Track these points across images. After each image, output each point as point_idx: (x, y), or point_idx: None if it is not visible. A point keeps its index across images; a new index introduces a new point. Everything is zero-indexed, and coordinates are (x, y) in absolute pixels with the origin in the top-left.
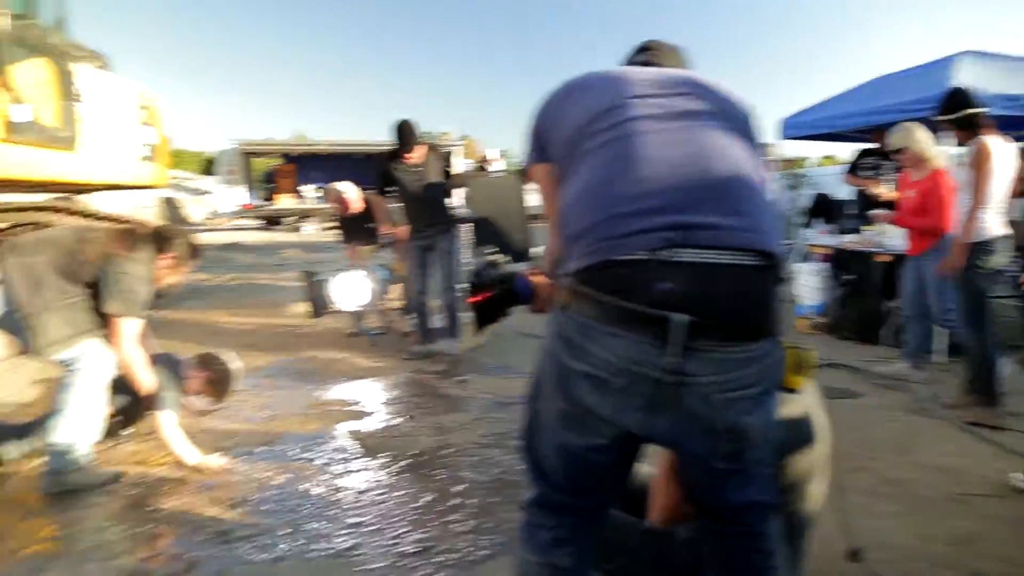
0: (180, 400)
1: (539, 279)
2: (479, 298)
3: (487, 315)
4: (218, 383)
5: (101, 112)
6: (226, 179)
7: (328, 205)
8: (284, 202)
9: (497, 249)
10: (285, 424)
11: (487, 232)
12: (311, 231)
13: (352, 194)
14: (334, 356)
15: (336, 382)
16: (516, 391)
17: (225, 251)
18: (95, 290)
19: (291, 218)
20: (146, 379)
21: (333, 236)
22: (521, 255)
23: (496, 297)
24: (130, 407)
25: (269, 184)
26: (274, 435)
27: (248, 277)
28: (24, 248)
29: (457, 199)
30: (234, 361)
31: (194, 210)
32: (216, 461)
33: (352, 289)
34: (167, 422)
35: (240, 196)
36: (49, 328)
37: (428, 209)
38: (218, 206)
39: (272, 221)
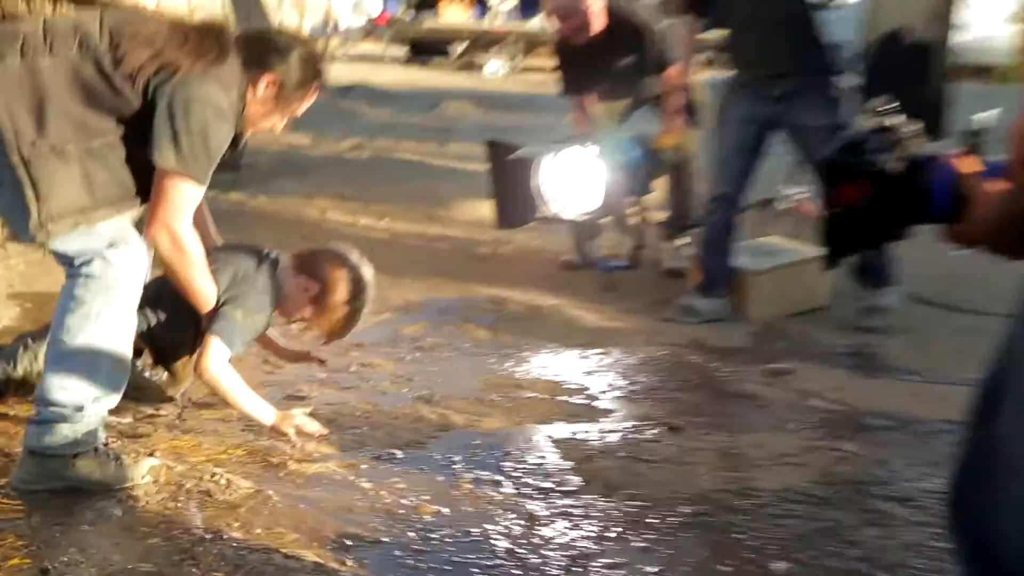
0: (266, 327)
1: (972, 172)
2: (844, 197)
3: (851, 236)
4: (332, 305)
5: None
6: None
7: (540, 24)
8: (451, 16)
9: (896, 105)
10: (445, 411)
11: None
12: (498, 70)
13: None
14: (536, 301)
15: (536, 348)
16: (900, 404)
17: (342, 98)
18: (136, 129)
19: (461, 46)
20: (206, 290)
21: (546, 82)
22: (936, 122)
23: (879, 198)
24: (176, 344)
25: None
26: (426, 429)
27: (383, 146)
28: (26, 39)
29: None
30: (362, 266)
31: (289, 14)
32: (310, 424)
33: (577, 180)
34: (223, 364)
35: (372, 2)
36: (55, 188)
37: (778, 37)
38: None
39: (425, 49)
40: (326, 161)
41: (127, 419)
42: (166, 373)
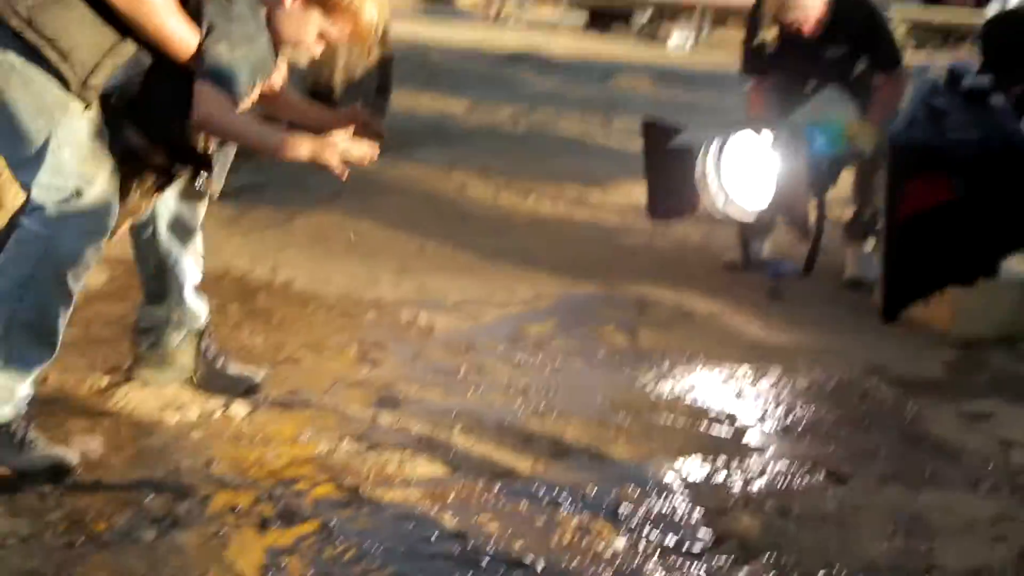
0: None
1: None
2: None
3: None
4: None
5: None
6: None
7: None
8: None
9: None
10: (560, 433)
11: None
12: (684, 43)
13: None
14: (687, 304)
15: (681, 361)
16: None
17: (507, 65)
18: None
19: (645, 14)
20: (177, 31)
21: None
22: None
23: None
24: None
25: None
26: (534, 454)
27: (541, 119)
28: None
29: None
30: None
31: None
32: (355, 148)
33: (747, 172)
34: (224, 109)
35: None
36: (73, 35)
37: None
38: None
39: (606, 16)
40: (478, 131)
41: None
42: (206, 175)
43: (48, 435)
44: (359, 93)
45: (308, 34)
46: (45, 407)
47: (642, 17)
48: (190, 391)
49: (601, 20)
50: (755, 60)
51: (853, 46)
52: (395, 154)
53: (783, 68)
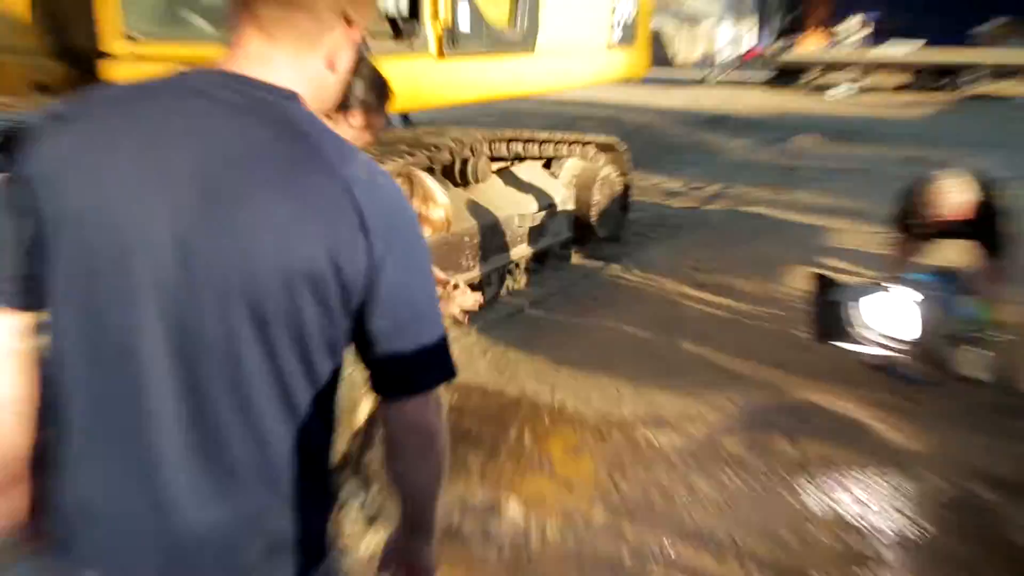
0: None
1: None
2: None
3: None
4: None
5: None
6: (733, 5)
7: (882, 51)
8: (808, 46)
9: None
10: (745, 544)
11: None
12: (840, 93)
13: None
14: (846, 410)
15: (856, 475)
16: None
17: (707, 130)
18: None
19: (813, 72)
20: None
21: (881, 105)
22: None
23: None
24: None
25: (792, 13)
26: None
27: (738, 194)
28: None
29: None
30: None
31: (685, 46)
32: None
33: (892, 320)
34: None
35: (748, 39)
36: None
37: None
38: (718, 45)
39: (783, 75)
40: (689, 217)
41: None
42: None
43: None
44: (609, 214)
45: None
46: None
47: (811, 74)
48: None
49: (780, 77)
50: (904, 227)
51: (977, 229)
52: (629, 259)
53: (924, 234)
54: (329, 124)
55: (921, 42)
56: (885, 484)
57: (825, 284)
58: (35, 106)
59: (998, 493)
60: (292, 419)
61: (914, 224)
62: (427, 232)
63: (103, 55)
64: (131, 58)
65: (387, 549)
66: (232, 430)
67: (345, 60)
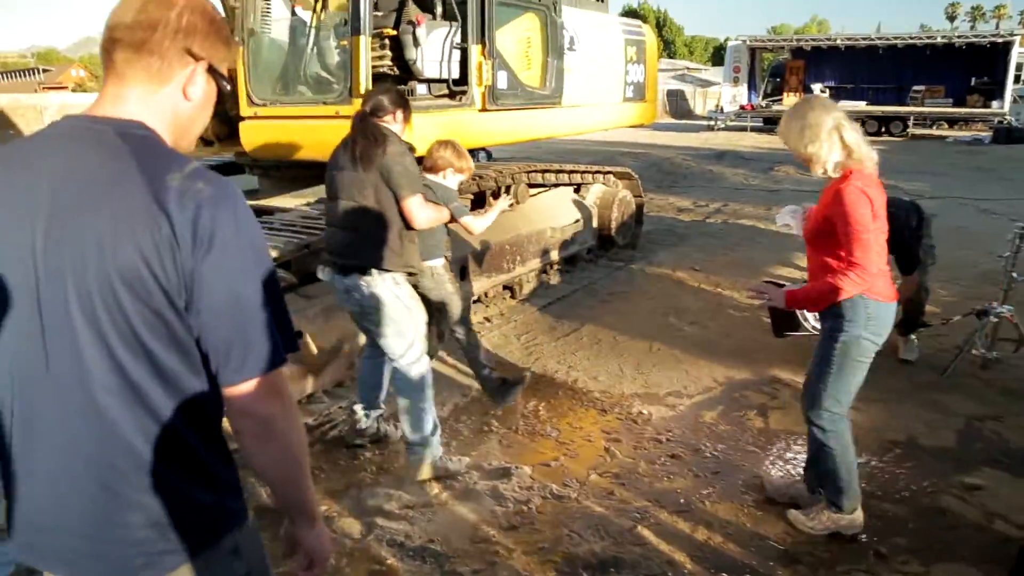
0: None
1: None
2: None
3: None
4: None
5: (589, 58)
6: (730, 76)
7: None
8: (789, 101)
9: None
10: (713, 508)
11: None
12: None
13: None
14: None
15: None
16: None
17: (715, 162)
18: None
19: None
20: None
21: None
22: None
23: None
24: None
25: (775, 79)
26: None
27: (734, 209)
28: None
29: None
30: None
31: (699, 102)
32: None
33: None
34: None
35: (742, 96)
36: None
37: None
38: (724, 101)
39: (772, 121)
40: (694, 227)
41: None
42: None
43: None
44: (626, 227)
45: None
46: None
47: None
48: None
49: (769, 123)
50: None
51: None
52: (643, 260)
53: None
54: (388, 122)
55: (863, 102)
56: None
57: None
58: (203, 155)
59: (922, 454)
60: (140, 407)
61: None
62: (461, 176)
63: (241, 118)
64: (255, 118)
65: (285, 532)
66: (85, 420)
67: (199, 89)
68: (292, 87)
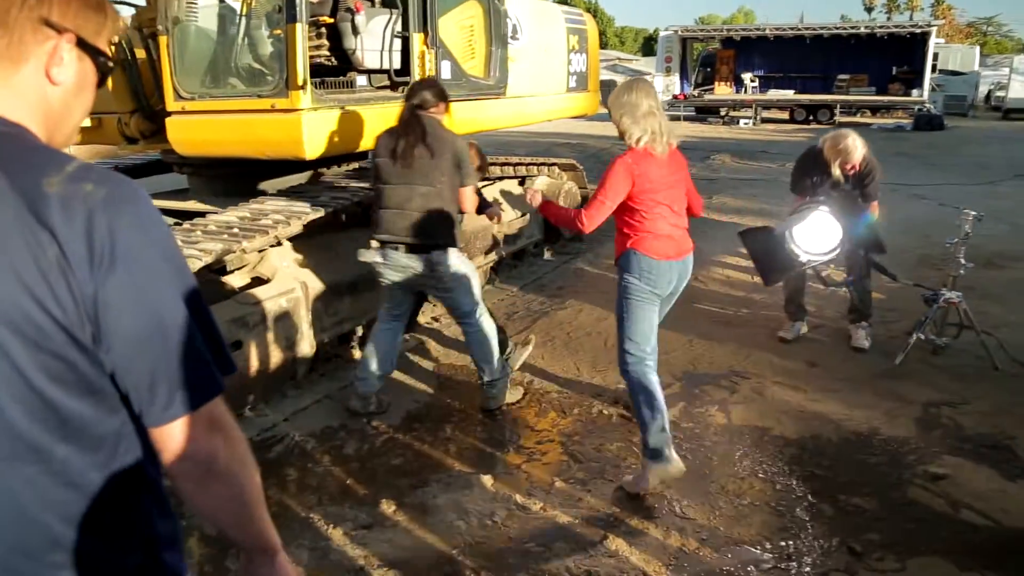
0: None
1: None
2: None
3: None
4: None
5: (532, 47)
6: (663, 66)
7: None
8: (720, 91)
9: None
10: (681, 508)
11: None
12: (747, 123)
13: None
14: (761, 382)
15: (768, 438)
16: None
17: None
18: None
19: (725, 108)
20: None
21: (775, 132)
22: None
23: None
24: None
25: (705, 69)
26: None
27: None
28: None
29: None
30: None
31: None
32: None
33: (820, 233)
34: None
35: (674, 85)
36: None
37: None
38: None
39: (705, 111)
40: None
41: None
42: None
43: None
44: None
45: None
46: None
47: (724, 110)
48: None
49: (702, 113)
50: (803, 186)
51: (860, 183)
52: (589, 252)
53: (817, 191)
54: (434, 114)
55: (791, 91)
56: (793, 444)
57: (756, 232)
58: (126, 154)
59: (884, 445)
60: (45, 475)
61: (817, 180)
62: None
63: (168, 113)
64: (183, 112)
65: (240, 567)
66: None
67: (68, 70)
68: (223, 79)
